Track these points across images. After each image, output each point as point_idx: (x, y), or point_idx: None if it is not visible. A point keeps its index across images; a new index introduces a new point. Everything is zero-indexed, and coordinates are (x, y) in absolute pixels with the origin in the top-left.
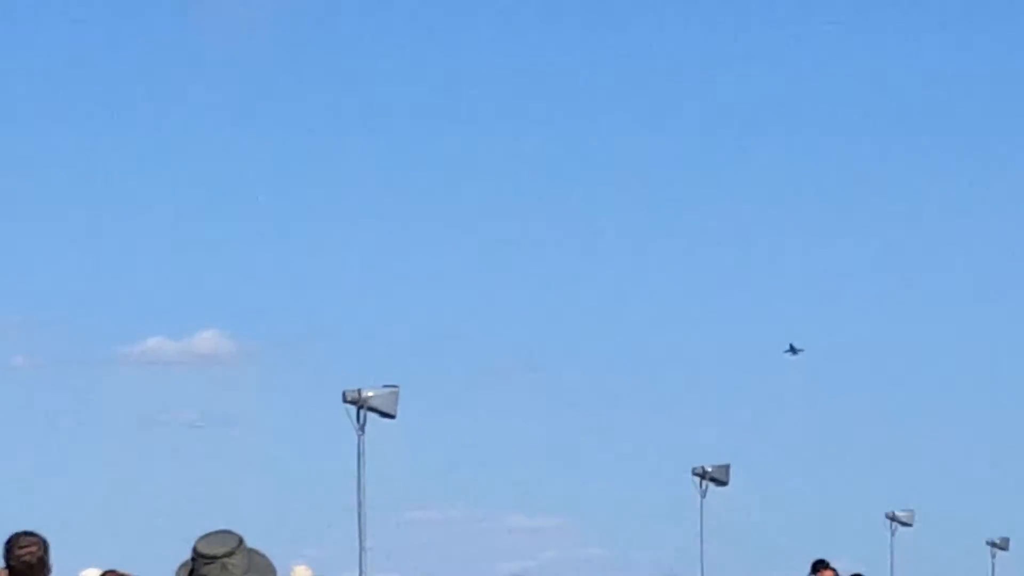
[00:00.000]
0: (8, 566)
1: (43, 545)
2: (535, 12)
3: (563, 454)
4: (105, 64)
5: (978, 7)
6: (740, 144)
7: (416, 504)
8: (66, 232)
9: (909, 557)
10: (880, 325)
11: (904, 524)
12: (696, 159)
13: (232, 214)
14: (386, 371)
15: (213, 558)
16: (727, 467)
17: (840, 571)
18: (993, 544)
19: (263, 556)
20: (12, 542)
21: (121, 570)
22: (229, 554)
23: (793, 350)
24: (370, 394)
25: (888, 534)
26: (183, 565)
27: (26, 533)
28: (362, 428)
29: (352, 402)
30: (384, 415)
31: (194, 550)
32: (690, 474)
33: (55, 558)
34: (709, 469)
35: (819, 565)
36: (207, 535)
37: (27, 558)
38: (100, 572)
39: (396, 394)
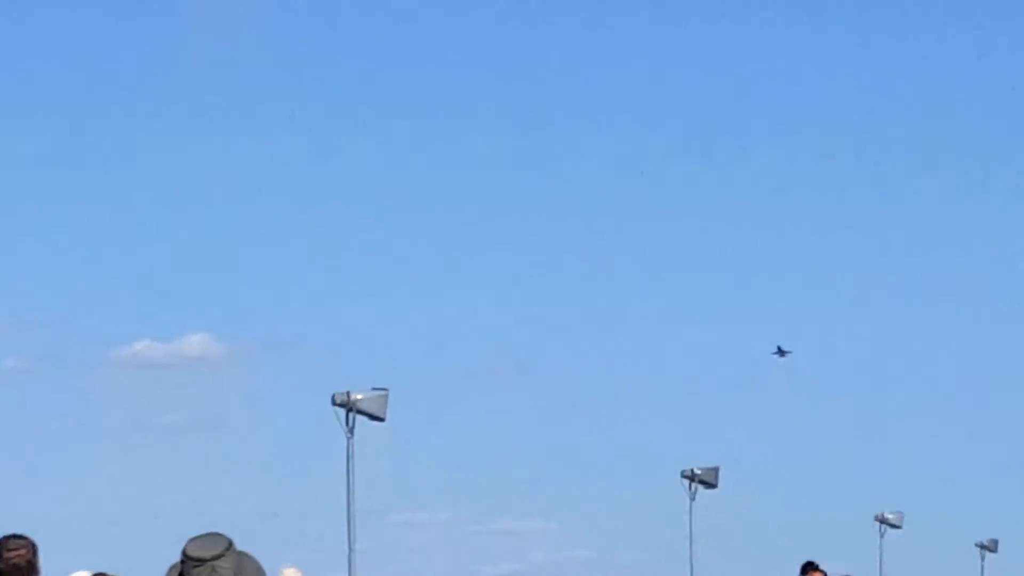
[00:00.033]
0: None
1: (32, 548)
2: (528, 12)
3: (552, 457)
4: (96, 65)
5: (968, 7)
6: (729, 147)
7: (405, 507)
8: (55, 235)
9: (898, 559)
10: (868, 327)
11: (893, 526)
12: (685, 162)
13: (221, 217)
14: (375, 374)
15: (203, 560)
16: (716, 470)
17: (829, 573)
18: (982, 546)
19: (252, 559)
20: (1, 544)
21: (111, 572)
22: (219, 556)
23: (781, 352)
24: (359, 397)
25: (877, 536)
26: (173, 567)
27: (15, 536)
28: (351, 431)
29: (341, 405)
30: (373, 418)
31: (184, 552)
32: (679, 477)
33: (44, 561)
34: (698, 472)
35: (808, 567)
36: (197, 537)
37: (16, 560)
38: (90, 574)
39: (385, 397)
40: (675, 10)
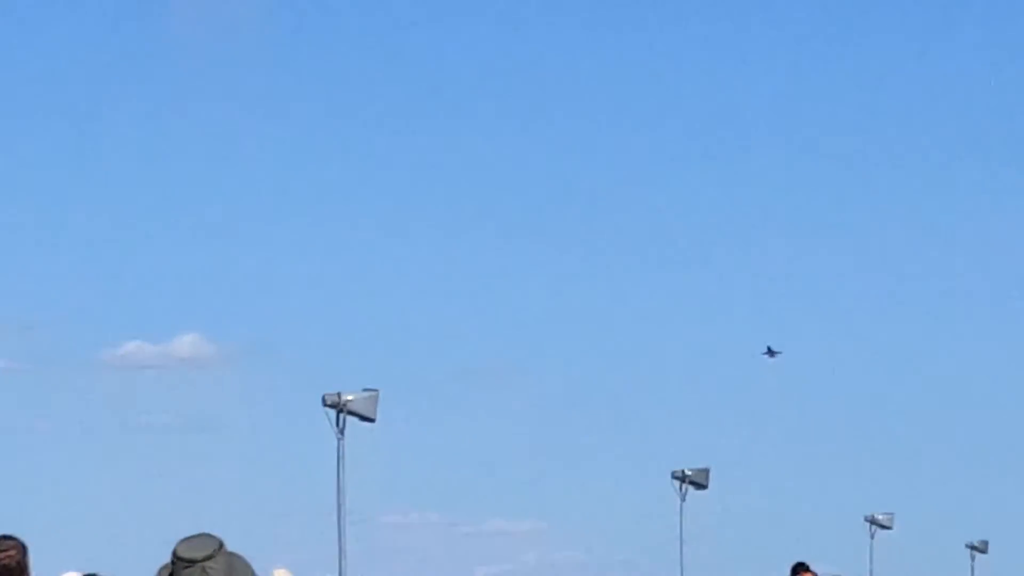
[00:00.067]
0: None
1: (22, 548)
2: (528, 11)
3: (542, 458)
4: (93, 66)
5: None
6: (719, 148)
7: (396, 508)
8: (47, 236)
9: (889, 560)
10: (858, 327)
11: (884, 527)
12: (674, 163)
13: (212, 218)
14: (366, 374)
15: (193, 561)
16: (707, 470)
17: (820, 574)
18: (972, 547)
19: (243, 560)
20: None
21: (102, 573)
22: (209, 557)
23: (771, 352)
24: (350, 397)
25: (868, 537)
26: (163, 568)
27: (5, 537)
28: (342, 432)
29: (332, 406)
30: (364, 419)
31: (174, 553)
32: (669, 477)
33: (35, 561)
34: (689, 472)
35: (799, 568)
36: (187, 538)
37: (6, 561)
38: (80, 575)
39: (376, 398)
40: (666, 10)
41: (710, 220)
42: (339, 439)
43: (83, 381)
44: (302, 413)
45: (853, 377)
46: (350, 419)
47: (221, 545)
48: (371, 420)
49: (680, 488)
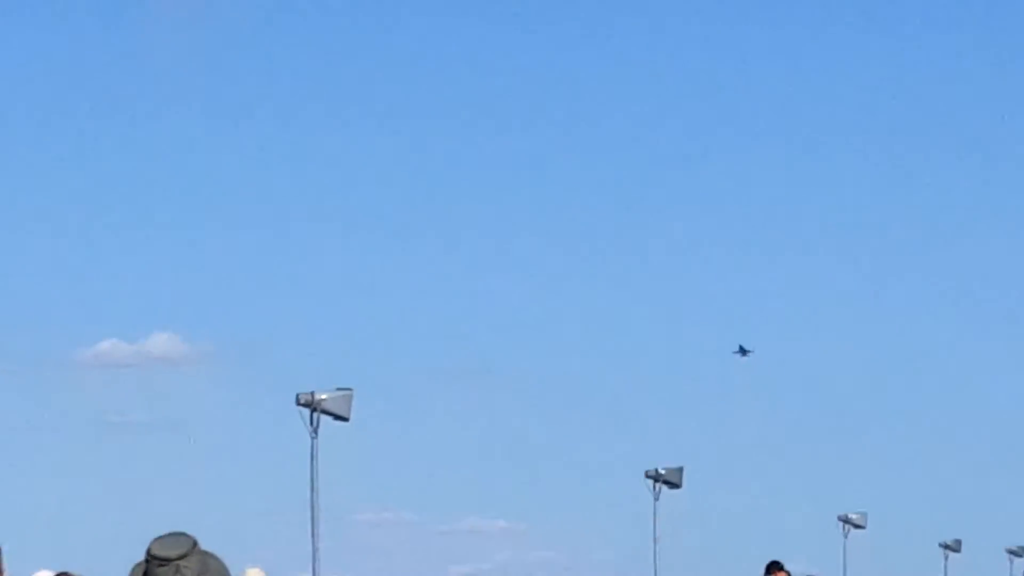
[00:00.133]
0: None
1: None
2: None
3: (517, 457)
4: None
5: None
6: (691, 149)
7: (370, 506)
8: (20, 236)
9: (862, 559)
10: (830, 326)
11: (857, 526)
12: (647, 164)
13: (186, 218)
14: (340, 374)
15: (167, 560)
16: (680, 470)
17: (793, 573)
18: (945, 546)
19: (217, 559)
20: None
21: (75, 572)
22: (183, 556)
23: (743, 352)
24: (323, 397)
25: (841, 536)
26: (137, 567)
27: None
28: (315, 431)
29: (305, 405)
30: (337, 418)
31: (147, 552)
32: (643, 477)
33: (8, 560)
34: (662, 472)
35: (773, 567)
36: (161, 537)
37: None
38: (54, 574)
39: (350, 397)
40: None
41: (682, 220)
42: (313, 438)
43: (57, 380)
44: (276, 412)
45: (826, 376)
46: (324, 418)
47: (195, 544)
48: (345, 419)
49: (654, 487)
